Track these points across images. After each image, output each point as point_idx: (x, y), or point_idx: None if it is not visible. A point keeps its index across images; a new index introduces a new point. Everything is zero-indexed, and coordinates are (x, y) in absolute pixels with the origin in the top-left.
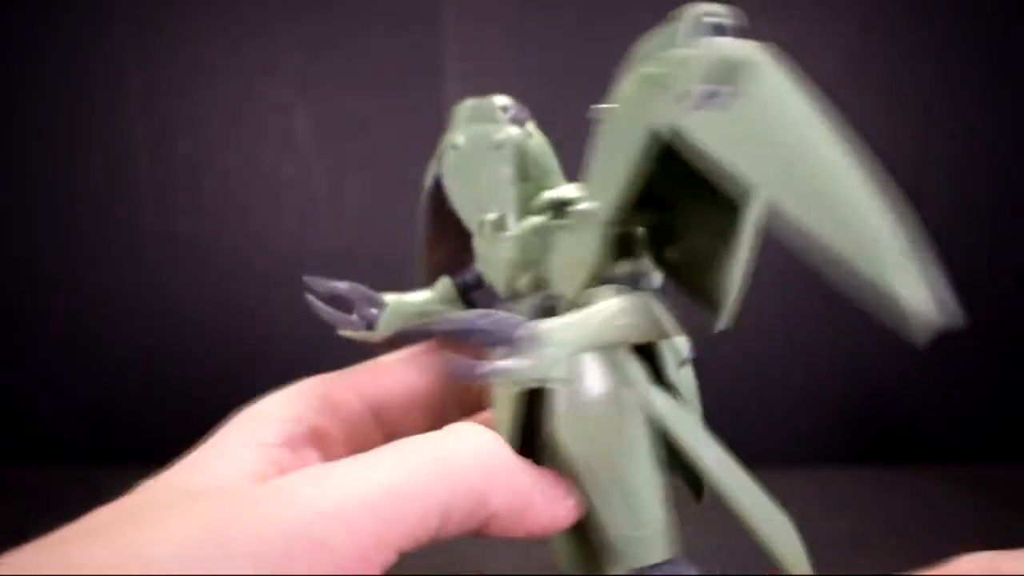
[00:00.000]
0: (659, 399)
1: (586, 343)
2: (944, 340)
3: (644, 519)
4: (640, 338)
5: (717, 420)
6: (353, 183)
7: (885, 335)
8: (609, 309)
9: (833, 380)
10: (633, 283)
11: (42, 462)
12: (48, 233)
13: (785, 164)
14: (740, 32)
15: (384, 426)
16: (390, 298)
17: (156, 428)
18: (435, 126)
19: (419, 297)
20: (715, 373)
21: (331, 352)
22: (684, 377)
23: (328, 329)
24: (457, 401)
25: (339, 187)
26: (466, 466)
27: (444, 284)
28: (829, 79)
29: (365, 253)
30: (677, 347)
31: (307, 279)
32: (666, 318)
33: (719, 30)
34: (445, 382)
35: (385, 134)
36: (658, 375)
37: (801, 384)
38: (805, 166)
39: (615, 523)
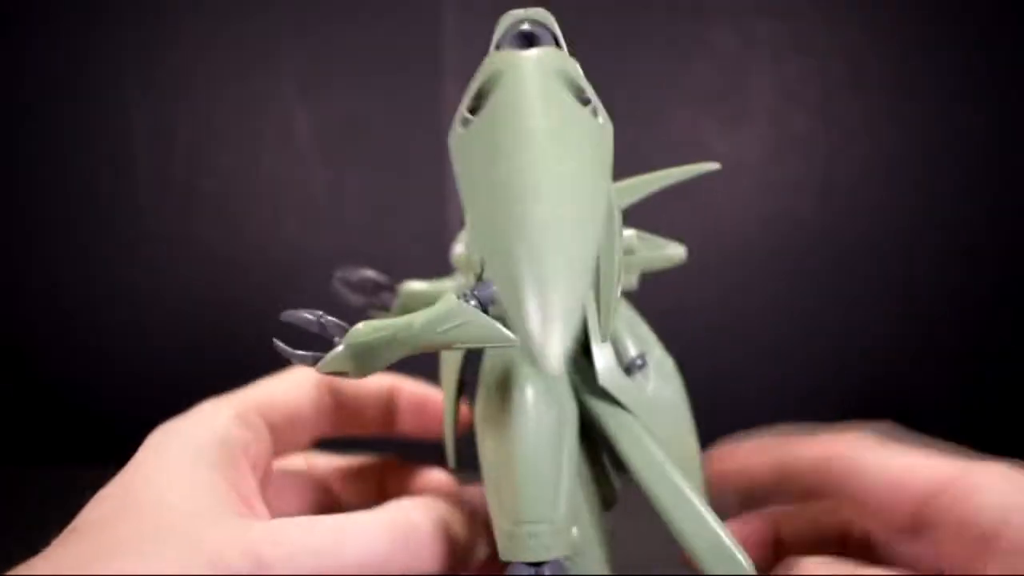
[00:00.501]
0: (597, 405)
1: (382, 342)
2: (945, 340)
3: (522, 518)
4: (450, 342)
5: (715, 418)
6: (353, 183)
7: (886, 336)
8: (422, 314)
9: (832, 379)
10: (467, 292)
11: (42, 462)
12: (48, 233)
13: (475, 186)
14: (549, 38)
15: (278, 443)
16: (406, 286)
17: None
18: (435, 126)
19: (431, 285)
20: (712, 371)
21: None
22: (630, 383)
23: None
24: (337, 418)
25: (339, 187)
26: (414, 552)
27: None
28: (829, 79)
29: (365, 253)
30: (624, 352)
31: (337, 274)
32: (478, 326)
33: (527, 38)
34: (324, 400)
35: (385, 134)
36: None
37: (799, 383)
38: (488, 189)
39: (495, 514)
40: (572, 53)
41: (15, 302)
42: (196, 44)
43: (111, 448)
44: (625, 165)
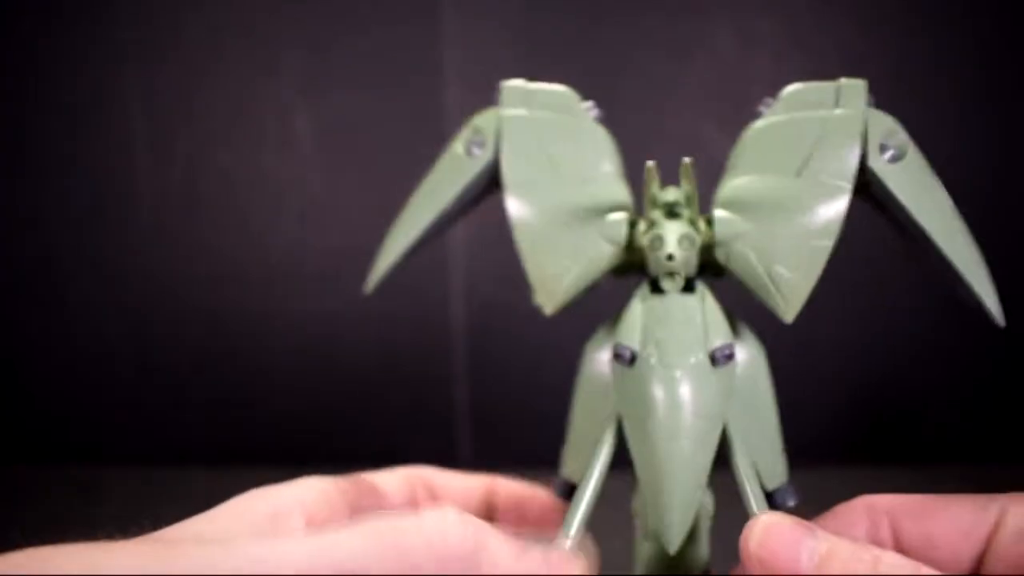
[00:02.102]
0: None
1: None
2: (946, 340)
3: (568, 440)
4: None
5: None
6: (353, 183)
7: (886, 335)
8: None
9: (834, 380)
10: None
11: (42, 462)
12: (48, 233)
13: None
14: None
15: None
16: None
17: (156, 428)
18: (435, 126)
19: None
20: None
21: (327, 351)
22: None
23: (323, 330)
24: None
25: (339, 187)
26: (415, 550)
27: None
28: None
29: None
30: (617, 341)
31: None
32: None
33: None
34: (417, 493)
35: (385, 134)
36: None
37: (802, 384)
38: None
39: None
40: (571, 54)
41: (15, 302)
42: (196, 45)
43: (109, 447)
44: (626, 163)
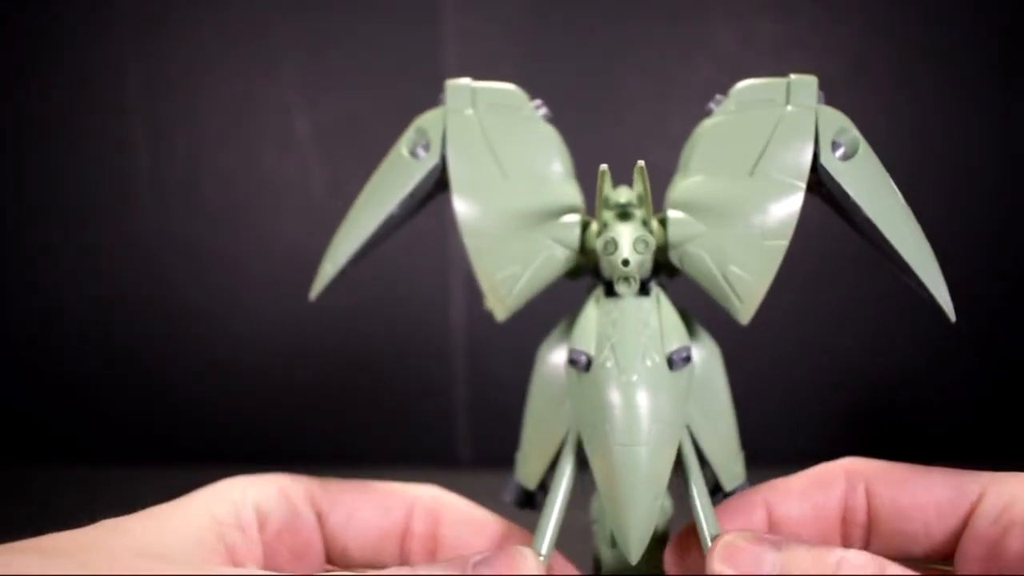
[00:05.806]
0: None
1: None
2: (946, 339)
3: (521, 445)
4: None
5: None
6: (353, 183)
7: (886, 335)
8: None
9: (834, 380)
10: None
11: (42, 462)
12: (48, 233)
13: None
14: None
15: (325, 539)
16: None
17: (155, 428)
18: None
19: None
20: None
21: (327, 351)
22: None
23: (324, 330)
24: (401, 543)
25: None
26: None
27: None
28: (829, 79)
29: (365, 253)
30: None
31: None
32: None
33: None
34: (399, 525)
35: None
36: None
37: (802, 384)
38: None
39: None
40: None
41: (15, 302)
42: (196, 44)
43: (109, 447)
44: (625, 165)
